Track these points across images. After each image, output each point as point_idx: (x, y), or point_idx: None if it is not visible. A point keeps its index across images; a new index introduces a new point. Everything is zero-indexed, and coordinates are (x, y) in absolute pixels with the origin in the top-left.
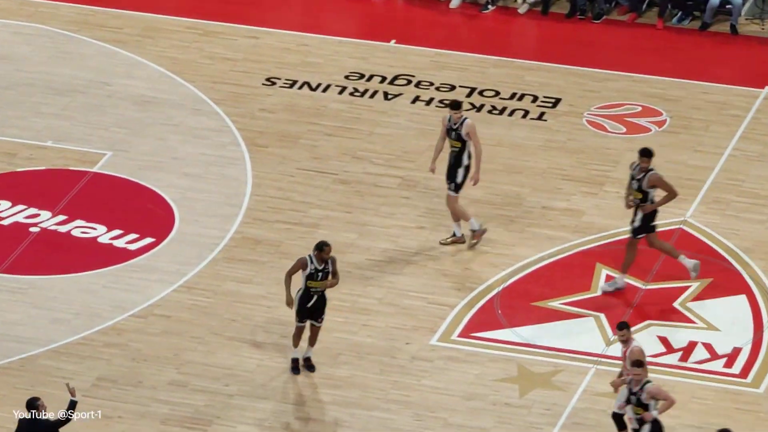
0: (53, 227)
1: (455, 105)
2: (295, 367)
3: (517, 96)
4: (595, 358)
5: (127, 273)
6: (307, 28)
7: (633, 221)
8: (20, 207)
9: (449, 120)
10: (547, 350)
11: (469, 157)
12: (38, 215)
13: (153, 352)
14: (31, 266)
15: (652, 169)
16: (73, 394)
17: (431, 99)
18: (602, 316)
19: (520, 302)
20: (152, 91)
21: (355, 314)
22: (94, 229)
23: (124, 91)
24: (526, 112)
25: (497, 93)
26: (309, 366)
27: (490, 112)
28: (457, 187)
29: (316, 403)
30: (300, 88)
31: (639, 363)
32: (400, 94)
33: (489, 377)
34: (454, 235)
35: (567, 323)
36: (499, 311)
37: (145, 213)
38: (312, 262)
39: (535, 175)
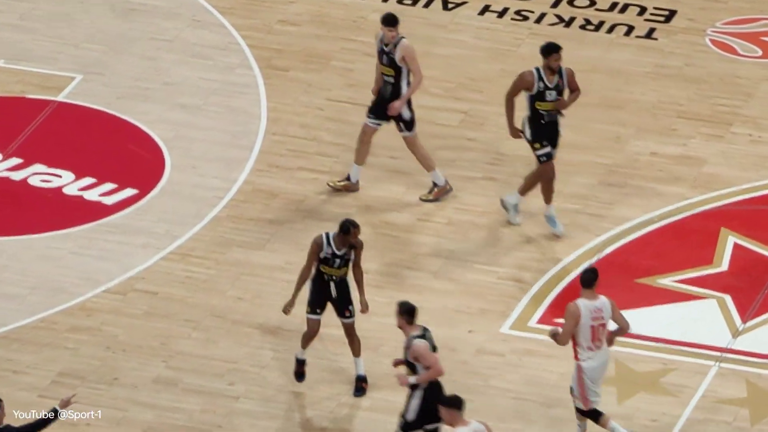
0: (3, 173)
1: (388, 20)
2: (299, 372)
3: (619, 6)
4: (718, 354)
5: (100, 235)
6: None
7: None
8: None
9: (381, 40)
10: (655, 342)
11: (408, 86)
12: None
13: (134, 339)
14: None
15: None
16: (64, 404)
17: (505, 9)
18: (728, 298)
19: (621, 279)
20: None
21: (402, 292)
22: (58, 176)
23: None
24: (630, 28)
25: (592, 2)
26: (359, 388)
27: (582, 27)
28: (409, 125)
29: (349, 409)
30: None
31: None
32: (464, 2)
33: None
34: (435, 185)
35: (682, 307)
36: None
37: (125, 156)
38: (329, 243)
39: (641, 111)
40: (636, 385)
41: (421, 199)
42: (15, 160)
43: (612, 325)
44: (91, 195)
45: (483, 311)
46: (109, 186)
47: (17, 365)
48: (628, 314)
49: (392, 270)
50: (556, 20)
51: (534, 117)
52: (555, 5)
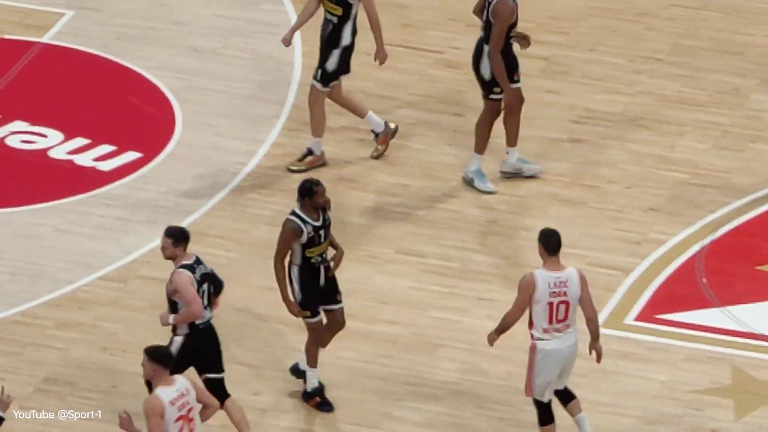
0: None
1: None
2: (323, 402)
3: None
4: None
5: (95, 209)
6: None
7: None
8: None
9: None
10: None
11: (353, 33)
12: None
13: (136, 338)
14: None
15: None
16: (3, 406)
17: None
18: None
19: (739, 265)
20: None
21: (468, 281)
22: (43, 136)
23: None
24: None
25: None
26: (322, 403)
27: None
28: (327, 78)
29: (401, 425)
30: None
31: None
32: None
33: (685, 386)
34: (310, 152)
35: None
36: (704, 279)
37: (126, 111)
38: (305, 221)
39: (763, 58)
40: (757, 396)
41: (289, 169)
42: None
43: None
44: (84, 159)
45: None
46: (105, 149)
47: None
48: (748, 311)
49: (455, 254)
50: None
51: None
52: None
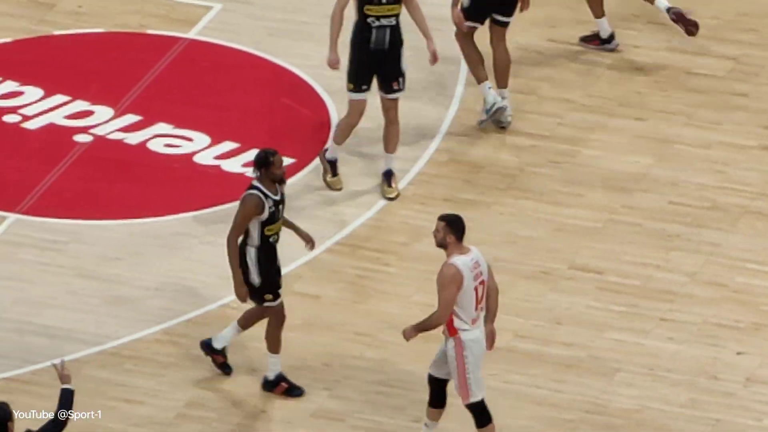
0: (115, 135)
1: None
2: (291, 387)
3: None
4: None
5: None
6: None
7: None
8: (59, 98)
9: None
10: None
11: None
12: (90, 113)
13: (287, 359)
14: (75, 203)
15: None
16: (64, 378)
17: None
18: None
19: None
20: None
21: (649, 300)
22: (188, 140)
23: None
24: None
25: None
26: (291, 388)
27: None
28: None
29: None
30: None
31: None
32: None
33: None
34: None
35: None
36: None
37: (278, 113)
38: (265, 194)
39: None
40: None
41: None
42: (131, 118)
43: None
44: (232, 165)
45: (756, 327)
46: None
47: (131, 392)
48: None
49: (635, 270)
50: None
51: None
52: None
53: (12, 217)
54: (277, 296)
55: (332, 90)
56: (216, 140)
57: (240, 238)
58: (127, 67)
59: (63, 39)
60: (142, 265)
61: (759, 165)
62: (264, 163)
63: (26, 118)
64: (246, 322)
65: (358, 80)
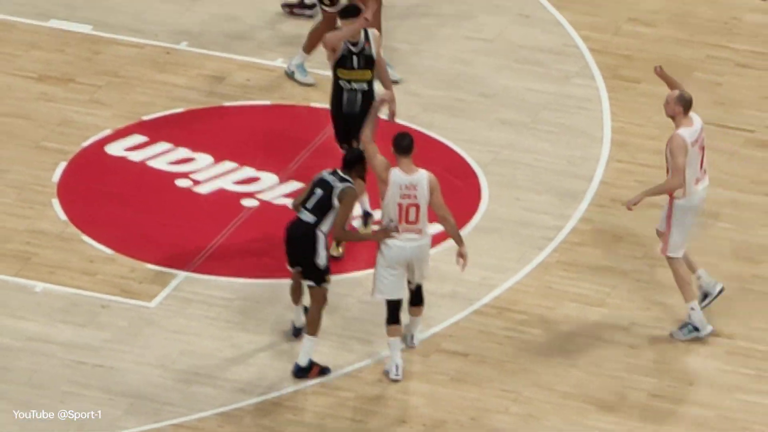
0: (280, 201)
1: (350, 10)
2: (322, 368)
3: None
4: None
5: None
6: None
7: None
8: (228, 165)
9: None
10: None
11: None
12: (256, 179)
13: (437, 412)
14: (241, 263)
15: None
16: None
17: None
18: None
19: None
20: None
21: None
22: None
23: None
24: None
25: None
26: (323, 369)
27: None
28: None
29: None
30: None
31: None
32: None
33: None
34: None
35: None
36: None
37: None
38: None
39: None
40: None
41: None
42: (294, 185)
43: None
44: None
45: None
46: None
47: None
48: None
49: (763, 336)
50: None
51: None
52: None
53: (182, 274)
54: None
55: (482, 162)
56: (373, 207)
57: (312, 220)
58: (291, 137)
59: (232, 110)
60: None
61: None
62: (357, 161)
63: (197, 182)
64: (313, 327)
65: (338, 138)
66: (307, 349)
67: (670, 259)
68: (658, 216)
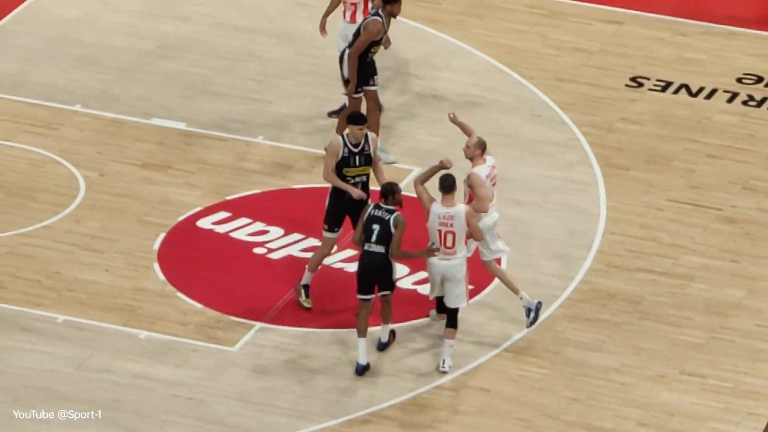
0: (338, 265)
1: (356, 118)
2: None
3: None
4: None
5: (431, 329)
6: (685, 12)
7: None
8: (296, 236)
9: (346, 141)
10: None
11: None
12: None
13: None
14: (305, 316)
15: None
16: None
17: None
18: None
19: None
20: (477, 88)
21: (738, 399)
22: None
23: (441, 87)
24: None
25: None
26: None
27: None
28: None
29: None
30: (675, 92)
31: None
32: None
33: None
34: None
35: None
36: None
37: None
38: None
39: None
40: None
41: None
42: (350, 252)
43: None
44: (426, 289)
45: None
46: None
47: None
48: None
49: (728, 375)
50: None
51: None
52: None
53: (259, 324)
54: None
55: (503, 234)
56: (413, 270)
57: (382, 250)
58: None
59: (299, 191)
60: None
61: None
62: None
63: (271, 250)
64: (388, 319)
65: (332, 223)
66: (386, 332)
67: (486, 263)
68: (645, 280)
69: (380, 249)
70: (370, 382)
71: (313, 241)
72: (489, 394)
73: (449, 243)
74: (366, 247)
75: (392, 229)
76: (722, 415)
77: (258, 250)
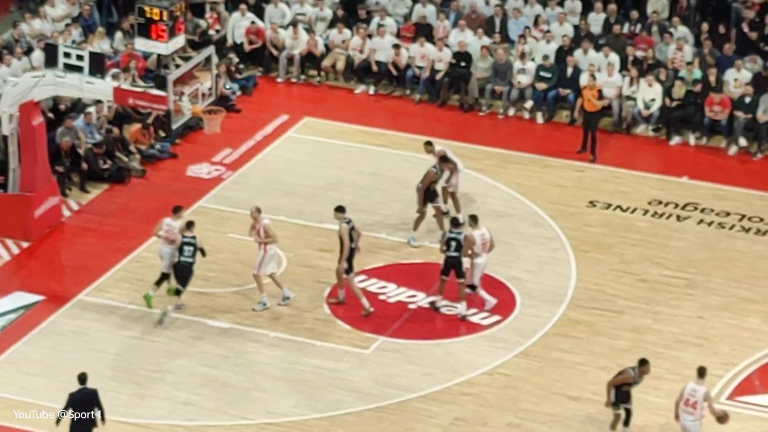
0: (424, 304)
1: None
2: None
3: None
4: None
5: (479, 341)
6: (621, 164)
7: None
8: (402, 289)
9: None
10: None
11: None
12: (415, 296)
13: (496, 400)
14: (409, 333)
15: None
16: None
17: (711, 222)
18: None
19: None
20: (505, 207)
21: (651, 379)
22: (456, 308)
23: (485, 207)
24: None
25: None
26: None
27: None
28: None
29: None
30: (614, 209)
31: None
32: (688, 218)
33: None
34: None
35: None
36: None
37: (495, 297)
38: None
39: None
40: None
41: None
42: (432, 298)
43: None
44: (475, 318)
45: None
46: (484, 314)
47: (430, 413)
48: None
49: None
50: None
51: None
52: (740, 220)
53: (381, 339)
54: None
55: (518, 288)
56: (468, 307)
57: (457, 254)
58: (429, 277)
59: (409, 266)
60: (438, 358)
61: (696, 323)
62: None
63: (388, 296)
64: (463, 295)
65: (350, 267)
66: (463, 294)
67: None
68: (596, 314)
69: (456, 254)
70: (426, 371)
71: (412, 291)
72: (510, 377)
73: (486, 249)
74: (447, 253)
75: (463, 242)
76: (644, 387)
77: (382, 297)
